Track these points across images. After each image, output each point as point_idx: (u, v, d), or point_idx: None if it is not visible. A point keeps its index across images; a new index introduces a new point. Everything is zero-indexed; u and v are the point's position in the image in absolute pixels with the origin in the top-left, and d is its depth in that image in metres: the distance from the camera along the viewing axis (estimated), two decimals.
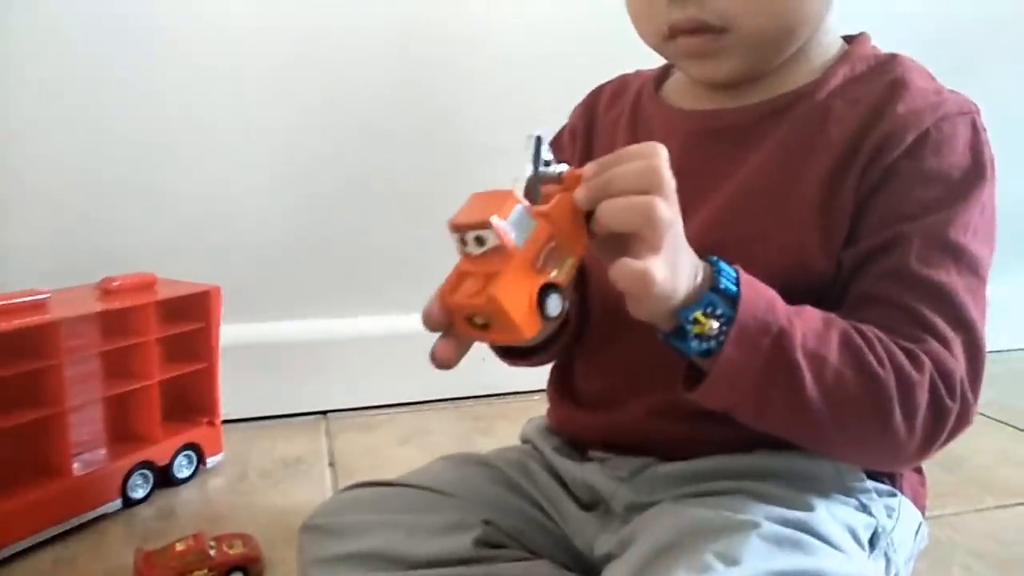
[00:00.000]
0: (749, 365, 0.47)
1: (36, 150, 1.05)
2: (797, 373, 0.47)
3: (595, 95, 0.72)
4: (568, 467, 0.65)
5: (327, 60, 1.13)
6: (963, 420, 0.51)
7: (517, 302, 0.42)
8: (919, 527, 0.62)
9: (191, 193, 1.12)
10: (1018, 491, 0.98)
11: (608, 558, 0.54)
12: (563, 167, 0.47)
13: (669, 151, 0.45)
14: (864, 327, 0.50)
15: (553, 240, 0.44)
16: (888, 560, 0.57)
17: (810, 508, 0.53)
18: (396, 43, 1.15)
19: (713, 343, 0.47)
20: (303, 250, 1.19)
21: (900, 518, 0.58)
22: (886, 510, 0.57)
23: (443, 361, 0.46)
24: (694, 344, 0.47)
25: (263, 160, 1.14)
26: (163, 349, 0.95)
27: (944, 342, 0.51)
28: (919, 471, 0.64)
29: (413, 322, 0.47)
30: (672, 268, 0.44)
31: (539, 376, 0.72)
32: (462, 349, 0.46)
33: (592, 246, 0.46)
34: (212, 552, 0.75)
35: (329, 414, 1.21)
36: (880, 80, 0.57)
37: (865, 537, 0.55)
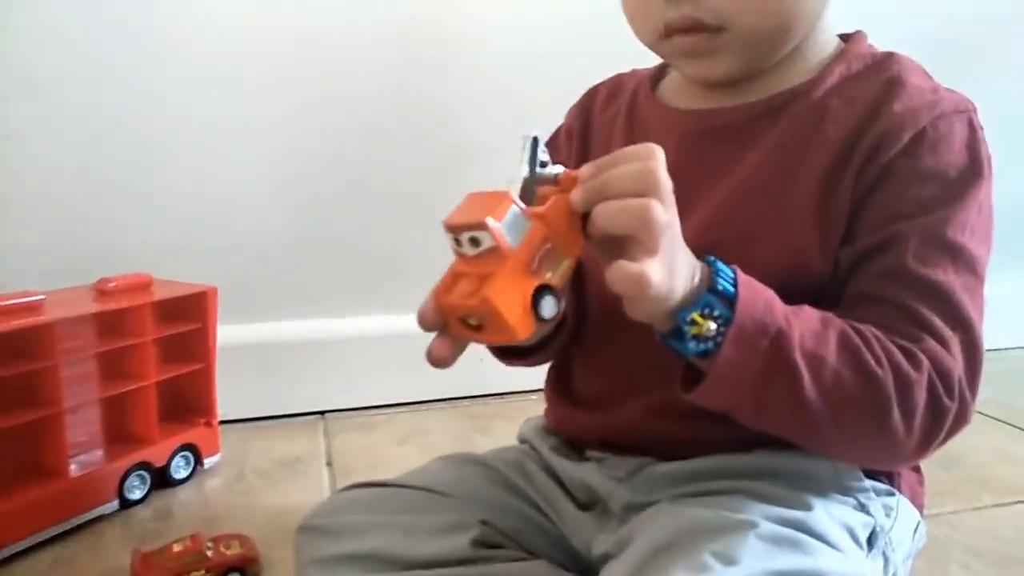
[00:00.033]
0: (747, 366, 0.47)
1: (32, 150, 1.05)
2: (796, 374, 0.47)
3: (591, 95, 0.72)
4: (566, 467, 0.65)
5: (325, 60, 1.13)
6: (961, 419, 0.51)
7: (511, 304, 0.42)
8: (917, 526, 0.62)
9: (188, 193, 1.12)
10: (1016, 489, 0.98)
11: (606, 558, 0.54)
12: (559, 168, 0.47)
13: (666, 151, 0.45)
14: (862, 326, 0.50)
15: (548, 242, 0.44)
16: (886, 559, 0.57)
17: (808, 508, 0.52)
18: (395, 43, 1.15)
19: (711, 344, 0.47)
20: (300, 250, 1.19)
21: (898, 517, 0.58)
22: (884, 509, 0.57)
23: (439, 360, 0.46)
24: (691, 345, 0.47)
25: (260, 160, 1.14)
26: (160, 350, 0.94)
27: (942, 341, 0.51)
28: (917, 470, 0.64)
29: (411, 322, 0.47)
30: (669, 270, 0.44)
31: (537, 376, 0.72)
32: (458, 348, 0.46)
33: (589, 247, 0.46)
34: (209, 553, 0.75)
35: (327, 414, 1.21)
36: (877, 79, 0.57)
37: (863, 536, 0.55)
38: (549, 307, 0.44)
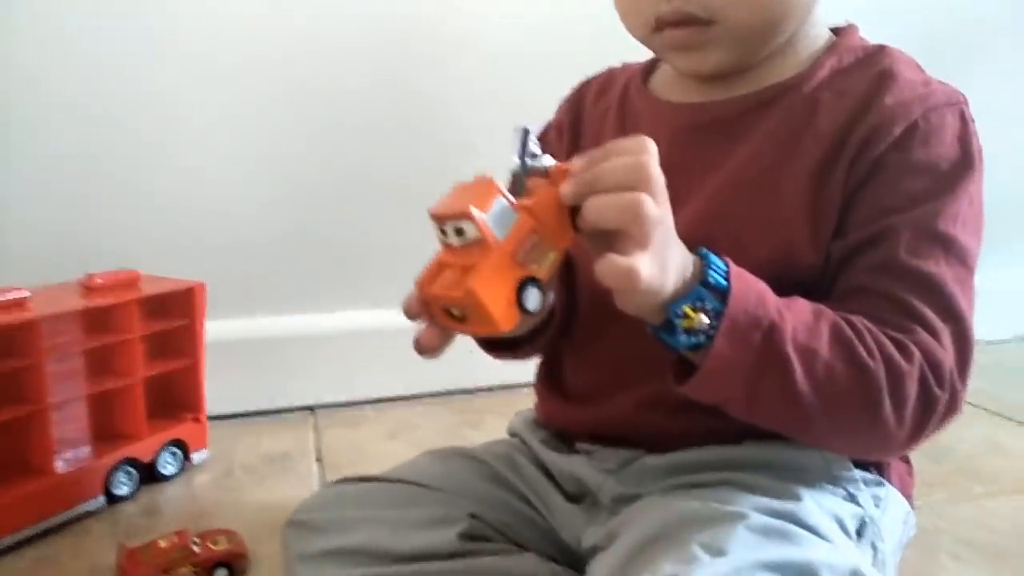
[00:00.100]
0: (740, 360, 0.47)
1: (20, 146, 1.04)
2: (788, 367, 0.47)
3: (582, 89, 0.72)
4: (555, 460, 0.65)
5: (320, 56, 1.12)
6: (952, 410, 0.51)
7: (494, 295, 0.42)
8: (907, 516, 0.62)
9: (176, 188, 1.11)
10: (1006, 480, 0.98)
11: (595, 550, 0.54)
12: (550, 160, 0.46)
13: (657, 144, 0.44)
14: (854, 318, 0.50)
15: (536, 234, 0.44)
16: (875, 549, 0.57)
17: (797, 498, 0.52)
18: (389, 39, 1.14)
19: (702, 337, 0.47)
20: (289, 245, 1.18)
21: (887, 507, 0.58)
22: (873, 500, 0.57)
23: (427, 349, 0.46)
24: (683, 338, 0.47)
25: (249, 155, 1.13)
26: (147, 346, 0.94)
27: (933, 332, 0.51)
28: (906, 460, 0.64)
29: (401, 317, 0.46)
30: (660, 264, 0.44)
31: (528, 370, 0.72)
32: (446, 337, 0.46)
33: (580, 239, 0.46)
34: (196, 548, 0.74)
35: (316, 409, 1.21)
36: (868, 72, 0.56)
37: (852, 527, 0.55)
38: (534, 299, 0.43)
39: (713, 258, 0.48)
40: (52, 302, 0.85)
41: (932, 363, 0.50)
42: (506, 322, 0.42)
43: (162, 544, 0.75)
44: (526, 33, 1.18)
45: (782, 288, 0.50)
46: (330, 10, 1.11)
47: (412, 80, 1.17)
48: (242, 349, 1.15)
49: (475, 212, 0.41)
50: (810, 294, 0.51)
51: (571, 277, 0.63)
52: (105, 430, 0.92)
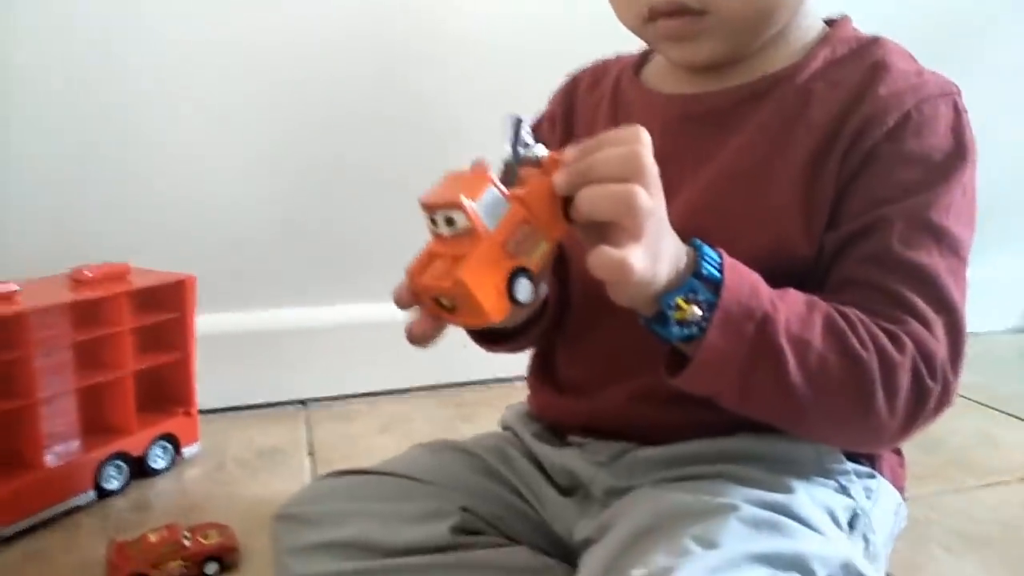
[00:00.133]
0: (733, 351, 0.47)
1: (7, 138, 1.03)
2: (781, 358, 0.47)
3: (574, 81, 0.71)
4: (547, 452, 0.65)
5: (305, 46, 1.11)
6: (944, 401, 0.51)
7: (485, 286, 0.41)
8: (898, 508, 0.62)
9: (166, 180, 1.10)
10: (997, 472, 0.99)
11: (587, 543, 0.54)
12: (543, 150, 0.46)
13: (650, 136, 0.44)
14: (847, 309, 0.50)
15: (527, 224, 0.43)
16: (867, 541, 0.57)
17: (789, 491, 0.52)
18: (379, 32, 1.14)
19: (695, 329, 0.46)
20: (281, 238, 1.17)
21: (879, 499, 0.58)
22: (865, 491, 0.57)
23: (419, 337, 0.45)
24: (675, 330, 0.46)
25: (240, 148, 1.12)
26: (137, 339, 0.93)
27: (926, 324, 0.51)
28: (898, 452, 0.64)
29: (393, 310, 0.46)
30: (653, 256, 0.43)
31: (521, 362, 0.71)
32: (439, 326, 0.45)
33: (574, 229, 0.45)
34: (187, 542, 0.74)
35: (309, 403, 1.20)
36: (861, 62, 0.56)
37: (844, 519, 0.55)
38: (524, 290, 0.43)
39: (707, 249, 0.47)
40: (41, 295, 0.84)
41: (924, 354, 0.50)
42: (496, 313, 0.42)
43: (152, 538, 0.74)
44: (517, 22, 1.18)
45: (775, 279, 0.49)
46: (324, 3, 1.10)
47: (406, 74, 1.16)
48: (234, 343, 1.15)
49: (466, 201, 0.41)
50: (803, 285, 0.51)
51: (564, 269, 0.63)
52: (95, 424, 0.92)
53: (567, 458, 0.63)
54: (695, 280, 0.46)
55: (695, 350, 0.47)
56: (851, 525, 0.56)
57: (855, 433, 0.53)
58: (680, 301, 0.46)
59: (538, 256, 0.44)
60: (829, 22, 0.61)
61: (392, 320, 0.47)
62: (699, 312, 0.46)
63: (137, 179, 1.09)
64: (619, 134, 0.44)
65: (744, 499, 0.50)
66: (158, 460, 0.95)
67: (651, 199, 0.43)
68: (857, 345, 0.48)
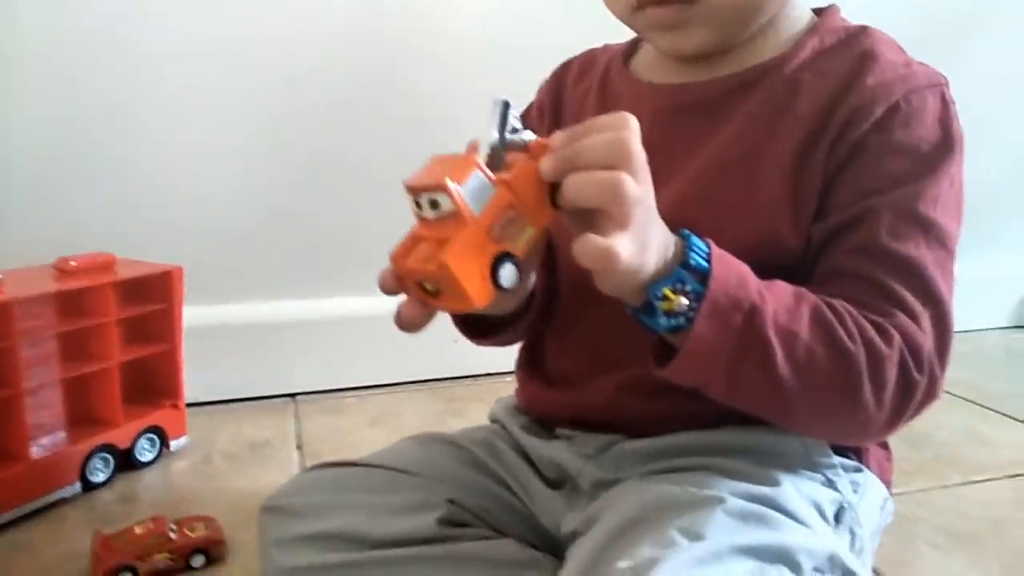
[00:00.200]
0: (720, 342, 0.46)
1: None
2: (769, 350, 0.47)
3: (562, 70, 0.71)
4: (535, 445, 0.65)
5: (294, 38, 1.11)
6: (930, 394, 0.51)
7: (468, 270, 0.41)
8: (885, 502, 0.62)
9: (154, 171, 1.09)
10: (984, 468, 0.99)
11: (574, 536, 0.53)
12: (530, 135, 0.45)
13: (639, 125, 0.44)
14: (834, 301, 0.50)
15: (513, 209, 0.43)
16: (853, 535, 0.56)
17: (776, 483, 0.52)
18: (369, 23, 1.13)
19: (682, 319, 0.46)
20: (271, 232, 1.17)
21: (865, 493, 0.58)
22: (852, 485, 0.57)
23: (408, 323, 0.45)
24: (663, 320, 0.46)
25: (229, 139, 1.12)
26: (123, 330, 0.93)
27: (913, 316, 0.50)
28: (885, 446, 0.64)
29: (385, 303, 0.45)
30: (641, 244, 0.43)
31: (512, 357, 0.71)
32: (428, 312, 0.45)
33: (560, 216, 0.45)
34: (173, 535, 0.74)
35: (298, 397, 1.20)
36: (849, 52, 0.56)
37: (830, 512, 0.55)
38: (509, 275, 0.42)
39: (695, 240, 0.47)
40: (25, 285, 0.84)
41: (912, 347, 0.49)
42: (479, 298, 0.42)
43: (138, 530, 0.74)
44: (507, 14, 1.17)
45: (764, 271, 0.49)
46: None
47: (402, 69, 1.16)
48: (223, 336, 1.14)
49: (450, 184, 0.40)
50: (791, 277, 0.51)
51: (552, 260, 0.63)
52: (81, 416, 0.91)
53: (555, 451, 0.63)
54: (683, 270, 0.46)
55: (682, 341, 0.47)
56: (837, 518, 0.56)
57: (842, 425, 0.52)
58: (668, 291, 0.45)
59: (524, 242, 0.44)
60: (817, 12, 0.61)
61: (383, 314, 0.47)
62: (686, 302, 0.45)
63: (125, 170, 1.08)
64: (607, 120, 0.44)
65: (730, 491, 0.50)
66: (145, 453, 0.95)
67: (638, 187, 0.42)
68: (845, 337, 0.48)
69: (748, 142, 0.56)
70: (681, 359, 0.47)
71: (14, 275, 0.85)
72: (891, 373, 0.49)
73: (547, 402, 0.66)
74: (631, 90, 0.63)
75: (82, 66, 1.03)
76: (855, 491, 0.58)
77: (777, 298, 0.48)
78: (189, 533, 0.75)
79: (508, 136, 0.44)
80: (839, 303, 0.50)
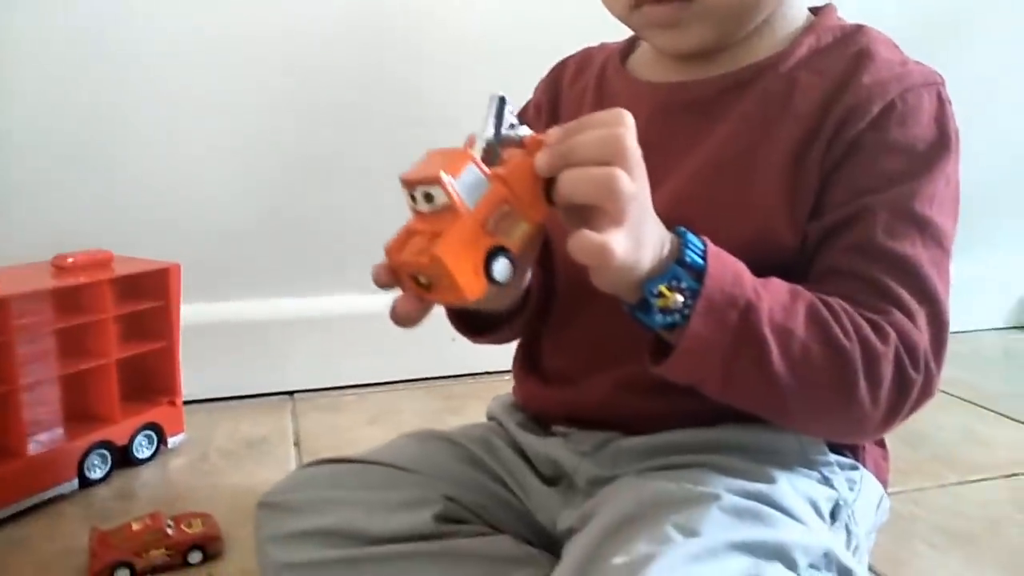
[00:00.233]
0: (716, 339, 0.46)
1: None
2: (764, 347, 0.47)
3: (559, 69, 0.71)
4: (532, 442, 0.65)
5: (291, 37, 1.11)
6: (926, 392, 0.51)
7: (461, 263, 0.41)
8: (881, 500, 0.62)
9: (151, 168, 1.09)
10: (981, 468, 0.99)
11: (571, 533, 0.53)
12: (526, 130, 0.45)
13: (636, 124, 0.44)
14: (830, 299, 0.50)
15: (507, 204, 0.43)
16: (849, 532, 0.57)
17: (771, 480, 0.52)
18: (365, 21, 1.13)
19: (677, 316, 0.46)
20: (268, 228, 1.17)
21: (862, 491, 0.58)
22: (848, 483, 0.57)
23: (403, 317, 0.45)
24: (658, 318, 0.46)
25: (227, 136, 1.12)
26: (121, 327, 0.93)
27: (909, 314, 0.51)
28: (882, 444, 0.64)
29: (381, 301, 0.45)
30: (636, 241, 0.43)
31: (510, 355, 0.71)
32: (424, 306, 0.45)
33: (556, 212, 0.45)
34: (170, 531, 0.74)
35: (296, 394, 1.20)
36: (845, 51, 0.56)
37: (826, 509, 0.55)
38: (502, 269, 0.42)
39: (691, 237, 0.47)
40: (22, 281, 0.84)
41: (907, 345, 0.49)
42: (472, 291, 0.42)
43: (135, 527, 0.74)
44: (503, 11, 1.17)
45: (760, 269, 0.49)
46: None
47: (393, 65, 1.16)
48: (221, 333, 1.14)
49: (445, 178, 0.41)
50: (788, 275, 0.51)
51: (548, 257, 0.63)
52: (79, 412, 0.91)
53: (551, 448, 0.63)
54: (678, 267, 0.46)
55: (678, 338, 0.47)
56: (833, 516, 0.56)
57: (838, 423, 0.53)
58: (663, 288, 0.45)
59: (518, 237, 0.44)
60: (814, 10, 0.61)
61: (381, 311, 0.47)
62: (682, 300, 0.46)
63: (122, 167, 1.08)
64: (602, 116, 0.44)
65: (726, 488, 0.50)
66: (142, 449, 0.95)
67: (633, 183, 0.42)
68: (840, 335, 0.48)
69: (744, 141, 0.56)
70: (677, 356, 0.47)
71: (11, 272, 0.85)
72: (887, 371, 0.49)
73: (543, 399, 0.66)
74: (628, 88, 0.63)
75: (80, 62, 1.03)
76: (851, 489, 0.58)
77: (773, 295, 0.48)
78: (186, 529, 0.75)
79: (504, 131, 0.44)
80: (835, 301, 0.50)
